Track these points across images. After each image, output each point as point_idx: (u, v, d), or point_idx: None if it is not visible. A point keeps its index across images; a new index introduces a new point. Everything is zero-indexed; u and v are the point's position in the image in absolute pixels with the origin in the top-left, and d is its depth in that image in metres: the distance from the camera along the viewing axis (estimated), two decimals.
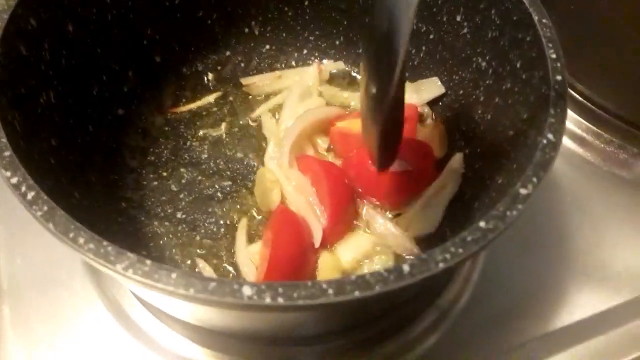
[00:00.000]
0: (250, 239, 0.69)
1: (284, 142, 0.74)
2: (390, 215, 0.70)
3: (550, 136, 0.48)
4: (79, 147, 0.65)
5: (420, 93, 0.77)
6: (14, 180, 0.43)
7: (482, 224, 0.42)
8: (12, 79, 0.53)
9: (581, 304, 0.70)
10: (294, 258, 0.64)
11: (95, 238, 0.40)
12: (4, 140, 0.45)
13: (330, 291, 0.38)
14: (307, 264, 0.66)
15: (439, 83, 0.76)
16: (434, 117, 0.77)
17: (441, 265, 0.40)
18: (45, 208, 0.41)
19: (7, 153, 0.44)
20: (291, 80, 0.83)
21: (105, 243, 0.40)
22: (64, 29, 0.63)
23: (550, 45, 0.54)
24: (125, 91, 0.75)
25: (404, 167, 0.66)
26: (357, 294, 0.38)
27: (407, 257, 0.67)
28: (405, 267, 0.39)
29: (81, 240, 0.40)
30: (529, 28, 0.57)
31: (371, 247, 0.68)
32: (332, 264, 0.66)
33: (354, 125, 0.71)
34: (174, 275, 0.38)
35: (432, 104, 0.77)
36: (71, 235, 0.40)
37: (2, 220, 0.73)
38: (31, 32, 0.57)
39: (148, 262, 0.39)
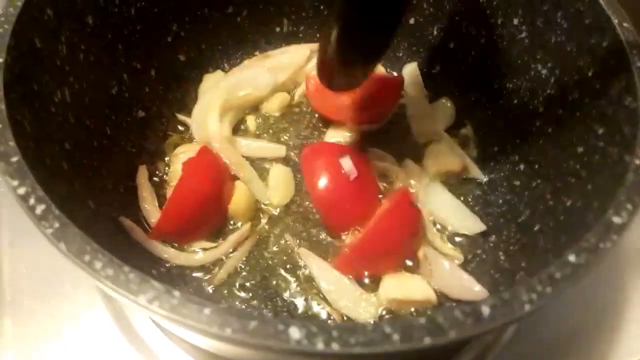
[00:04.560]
0: None
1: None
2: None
3: None
4: (96, 151, 0.59)
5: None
6: (22, 190, 0.37)
7: (571, 257, 0.36)
8: (24, 74, 0.47)
9: None
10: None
11: (115, 262, 0.34)
12: (12, 143, 0.39)
13: (396, 337, 0.31)
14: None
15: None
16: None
17: (527, 307, 0.33)
18: (57, 225, 0.35)
19: (14, 158, 0.38)
20: None
21: (126, 268, 0.33)
22: (83, 22, 0.57)
23: (635, 52, 0.47)
24: (147, 92, 0.69)
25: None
26: (427, 340, 0.32)
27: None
28: (485, 309, 0.33)
29: (98, 265, 0.34)
30: (605, 32, 0.50)
31: (422, 298, 0.58)
32: None
33: None
34: (207, 311, 0.32)
35: (478, 110, 0.70)
36: (86, 258, 0.34)
37: (7, 224, 0.67)
38: (47, 23, 0.51)
39: (177, 293, 0.32)
